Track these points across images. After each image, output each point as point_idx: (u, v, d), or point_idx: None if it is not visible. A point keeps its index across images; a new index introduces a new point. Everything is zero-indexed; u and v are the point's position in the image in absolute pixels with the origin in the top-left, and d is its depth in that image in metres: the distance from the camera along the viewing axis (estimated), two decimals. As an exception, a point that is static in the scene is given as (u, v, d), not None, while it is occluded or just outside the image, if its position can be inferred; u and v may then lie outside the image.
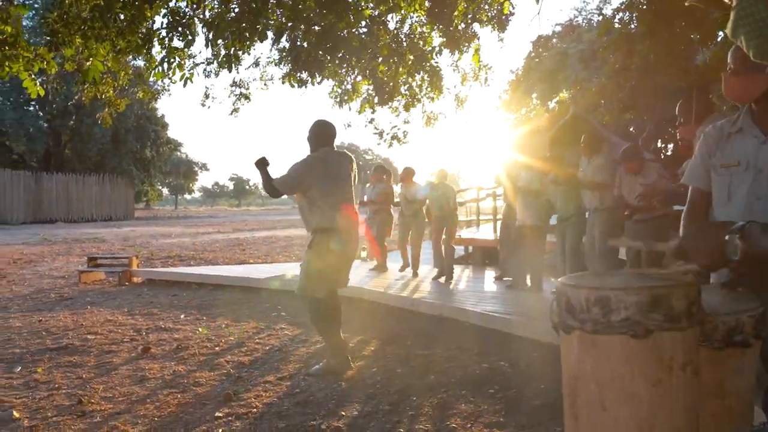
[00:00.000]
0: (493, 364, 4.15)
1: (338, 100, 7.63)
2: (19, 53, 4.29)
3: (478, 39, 5.35)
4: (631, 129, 23.01)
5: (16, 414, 3.37)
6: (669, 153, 23.38)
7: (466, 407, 3.31)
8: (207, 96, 7.18)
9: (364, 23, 4.63)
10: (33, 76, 4.35)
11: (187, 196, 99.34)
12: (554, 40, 32.65)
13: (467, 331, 5.16)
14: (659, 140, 23.96)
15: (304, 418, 3.18)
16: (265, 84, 7.79)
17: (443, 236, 7.70)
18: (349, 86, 7.03)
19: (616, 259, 5.77)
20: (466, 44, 5.58)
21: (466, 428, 3.01)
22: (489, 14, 5.77)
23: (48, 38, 4.13)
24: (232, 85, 7.71)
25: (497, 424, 3.05)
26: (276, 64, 5.84)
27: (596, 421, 1.21)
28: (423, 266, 8.33)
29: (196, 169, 70.57)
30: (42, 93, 4.54)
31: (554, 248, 6.94)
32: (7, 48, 4.30)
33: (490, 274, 8.15)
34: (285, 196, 4.56)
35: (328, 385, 3.78)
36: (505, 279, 7.25)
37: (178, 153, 58.11)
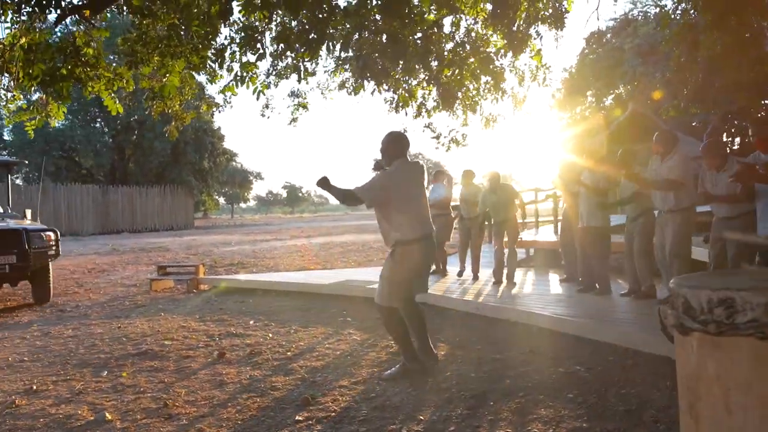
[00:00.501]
0: (568, 369, 4.07)
1: (394, 105, 7.67)
2: (101, 73, 4.55)
3: (540, 38, 5.29)
4: (694, 124, 22.15)
5: (108, 416, 3.54)
6: (736, 147, 22.35)
7: (546, 412, 3.26)
8: (267, 106, 7.32)
9: (426, 29, 4.65)
10: (113, 95, 4.60)
11: (243, 205, 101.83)
12: (608, 35, 31.81)
13: (537, 335, 5.09)
14: (725, 134, 22.93)
15: (384, 423, 3.21)
16: (322, 93, 7.92)
17: (504, 239, 7.63)
18: (405, 91, 7.06)
19: (689, 260, 5.56)
20: (527, 45, 5.52)
21: (548, 433, 2.97)
22: (546, 13, 5.69)
23: (128, 58, 4.37)
24: (290, 95, 7.89)
25: (581, 430, 2.99)
26: (342, 72, 5.91)
27: (720, 425, 1.18)
28: (483, 270, 8.27)
29: (251, 178, 72.34)
30: (121, 110, 4.78)
31: (620, 249, 6.75)
32: (89, 69, 4.56)
33: (554, 277, 8.00)
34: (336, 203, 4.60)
35: (402, 389, 3.80)
36: (572, 282, 7.12)
37: (234, 163, 59.60)
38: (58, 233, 8.45)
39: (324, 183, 4.06)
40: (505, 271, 7.46)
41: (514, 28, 4.71)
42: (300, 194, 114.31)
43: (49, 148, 33.17)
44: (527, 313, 5.49)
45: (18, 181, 29.57)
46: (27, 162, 14.42)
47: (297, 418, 3.36)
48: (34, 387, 4.24)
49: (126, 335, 5.93)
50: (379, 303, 4.10)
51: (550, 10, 5.96)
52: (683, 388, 1.27)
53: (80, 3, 2.93)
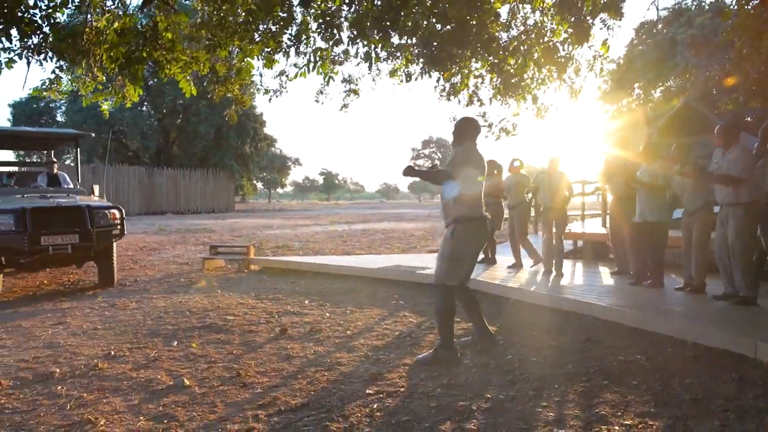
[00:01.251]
0: (628, 357, 4.10)
1: (446, 93, 7.71)
2: (177, 57, 4.74)
3: (608, 28, 5.24)
4: (747, 119, 21.44)
5: (186, 382, 3.75)
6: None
7: (612, 396, 3.32)
8: (321, 92, 7.44)
9: (492, 17, 4.68)
10: (188, 78, 4.80)
11: (279, 190, 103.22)
12: (660, 25, 30.91)
13: (593, 324, 5.11)
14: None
15: (453, 399, 3.32)
16: (374, 80, 7.97)
17: (553, 230, 7.59)
18: (467, 72, 7.06)
19: (752, 254, 5.47)
20: (592, 35, 5.48)
21: (616, 416, 3.03)
22: (604, 0, 5.62)
23: (208, 42, 4.55)
24: (342, 81, 7.99)
25: (649, 414, 3.04)
26: (395, 59, 5.99)
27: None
28: (527, 260, 8.30)
29: (290, 163, 73.32)
30: (195, 92, 4.98)
31: (676, 243, 6.69)
32: (166, 52, 4.76)
33: (603, 270, 7.95)
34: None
35: (466, 369, 3.90)
36: (624, 274, 7.09)
37: (273, 149, 60.41)
38: (123, 211, 8.01)
39: (410, 171, 4.18)
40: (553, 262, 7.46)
41: (581, 17, 4.70)
42: (336, 181, 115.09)
43: (100, 129, 34.17)
44: (582, 302, 5.51)
45: (68, 162, 30.59)
46: (93, 134, 14.22)
47: (367, 391, 3.50)
48: (112, 352, 4.50)
49: (188, 309, 6.19)
50: (437, 281, 4.20)
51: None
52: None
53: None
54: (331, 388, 3.61)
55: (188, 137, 42.18)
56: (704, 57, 22.33)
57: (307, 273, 8.77)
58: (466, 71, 6.96)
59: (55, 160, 9.62)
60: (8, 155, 45.99)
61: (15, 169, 11.87)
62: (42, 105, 40.42)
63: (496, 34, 4.86)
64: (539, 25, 5.30)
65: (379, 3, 4.28)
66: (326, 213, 37.66)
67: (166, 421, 3.12)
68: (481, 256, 8.87)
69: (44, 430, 3.02)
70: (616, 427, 2.88)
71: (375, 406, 3.26)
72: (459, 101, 7.63)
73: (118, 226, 7.78)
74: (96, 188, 9.21)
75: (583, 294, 6.04)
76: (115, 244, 8.01)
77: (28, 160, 21.25)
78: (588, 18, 5.06)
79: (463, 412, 3.11)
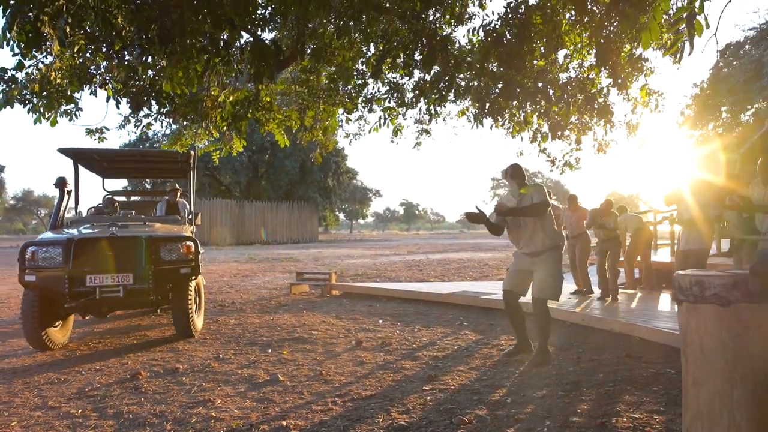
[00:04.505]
0: (659, 370, 4.62)
1: (511, 131, 8.44)
2: (274, 116, 5.86)
3: (645, 75, 5.80)
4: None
5: (280, 378, 4.68)
6: None
7: (630, 398, 3.91)
8: (396, 134, 8.39)
9: (536, 74, 5.42)
10: (282, 132, 5.91)
11: (361, 221, 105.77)
12: (747, 46, 29.95)
13: (637, 343, 5.60)
14: None
15: (491, 395, 4.03)
16: (444, 121, 8.84)
17: (607, 260, 8.12)
18: (521, 118, 7.81)
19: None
20: (635, 78, 6.07)
21: (628, 412, 3.63)
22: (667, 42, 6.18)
23: (300, 104, 5.65)
24: (415, 123, 8.92)
25: (657, 411, 3.62)
26: (463, 114, 6.78)
27: (698, 360, 1.92)
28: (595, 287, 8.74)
29: (370, 195, 75.29)
30: (288, 143, 6.08)
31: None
32: (265, 112, 5.89)
33: (664, 296, 8.27)
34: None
35: (509, 374, 4.59)
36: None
37: (355, 181, 62.57)
38: (198, 244, 6.31)
39: (508, 210, 4.92)
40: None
41: (617, 68, 5.34)
42: (417, 212, 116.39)
43: (197, 166, 37.14)
44: (627, 324, 6.00)
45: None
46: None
47: (424, 388, 4.28)
48: (221, 355, 5.54)
49: (279, 325, 7.20)
50: (551, 297, 4.93)
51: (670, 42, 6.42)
52: (681, 337, 2.01)
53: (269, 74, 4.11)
54: (394, 385, 4.42)
55: (275, 172, 44.86)
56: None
57: (382, 297, 9.65)
58: (516, 118, 7.70)
59: (177, 187, 8.29)
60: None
61: (137, 198, 12.64)
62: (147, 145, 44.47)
63: (540, 87, 5.59)
64: (579, 77, 5.99)
65: (436, 70, 5.16)
66: (405, 243, 38.64)
67: (266, 402, 4.04)
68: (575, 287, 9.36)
69: (177, 404, 4.03)
70: (624, 419, 3.49)
71: (428, 398, 4.03)
72: (522, 138, 8.36)
73: (191, 263, 6.06)
74: (199, 217, 7.96)
75: (633, 317, 6.50)
76: (195, 285, 6.34)
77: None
78: (627, 67, 5.70)
79: (498, 403, 3.82)
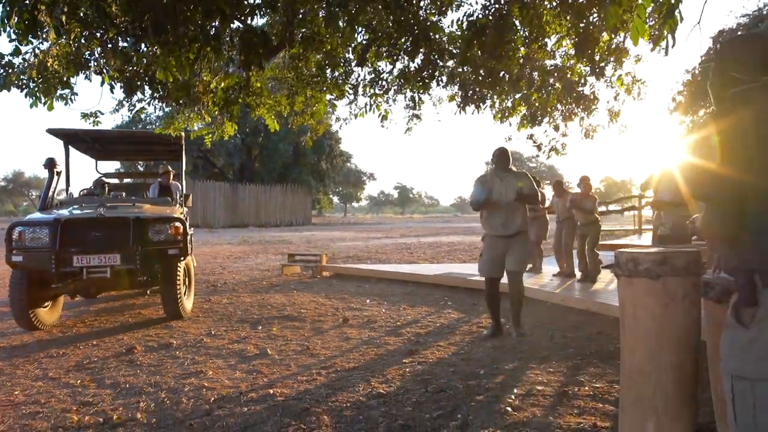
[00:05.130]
0: (626, 346, 4.90)
1: (499, 116, 8.64)
2: (264, 101, 6.05)
3: (634, 62, 6.05)
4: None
5: (269, 351, 4.94)
6: None
7: (594, 370, 4.19)
8: (385, 118, 8.54)
9: (518, 63, 5.62)
10: (273, 117, 6.12)
11: (355, 204, 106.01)
12: (740, 33, 30.13)
13: (612, 323, 5.88)
14: None
15: (467, 367, 4.31)
16: (434, 105, 9.00)
17: (587, 242, 8.40)
18: (509, 104, 7.99)
19: None
20: (618, 68, 6.28)
21: (591, 382, 3.91)
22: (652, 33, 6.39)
23: (287, 90, 5.84)
24: (405, 108, 9.10)
25: (617, 382, 3.88)
26: (452, 99, 6.96)
27: (632, 327, 2.18)
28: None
29: (364, 178, 75.43)
30: (278, 127, 6.28)
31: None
32: (255, 97, 6.07)
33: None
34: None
35: (485, 348, 4.87)
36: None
37: (349, 164, 62.68)
38: (187, 224, 6.36)
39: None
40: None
41: (596, 58, 5.55)
42: (411, 195, 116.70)
43: (190, 148, 37.20)
44: (603, 303, 6.28)
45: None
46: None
47: (404, 361, 4.55)
48: (213, 332, 5.79)
49: (270, 304, 7.46)
50: (522, 268, 5.49)
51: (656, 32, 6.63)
52: (620, 308, 2.26)
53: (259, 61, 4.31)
54: (376, 358, 4.68)
55: (269, 154, 44.91)
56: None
57: (371, 278, 9.91)
58: (500, 105, 7.88)
59: (169, 168, 8.35)
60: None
61: (129, 180, 12.70)
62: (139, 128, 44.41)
63: (526, 71, 5.81)
64: (559, 65, 6.21)
65: (419, 60, 5.37)
66: (399, 226, 38.93)
67: (254, 374, 4.29)
68: (530, 265, 9.71)
69: (171, 375, 4.28)
70: (586, 387, 3.77)
71: (407, 369, 4.30)
72: (510, 124, 8.57)
73: (180, 244, 6.03)
74: (190, 199, 7.97)
75: (609, 298, 6.78)
76: (184, 266, 6.33)
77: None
78: (605, 57, 5.90)
79: (471, 374, 4.10)
